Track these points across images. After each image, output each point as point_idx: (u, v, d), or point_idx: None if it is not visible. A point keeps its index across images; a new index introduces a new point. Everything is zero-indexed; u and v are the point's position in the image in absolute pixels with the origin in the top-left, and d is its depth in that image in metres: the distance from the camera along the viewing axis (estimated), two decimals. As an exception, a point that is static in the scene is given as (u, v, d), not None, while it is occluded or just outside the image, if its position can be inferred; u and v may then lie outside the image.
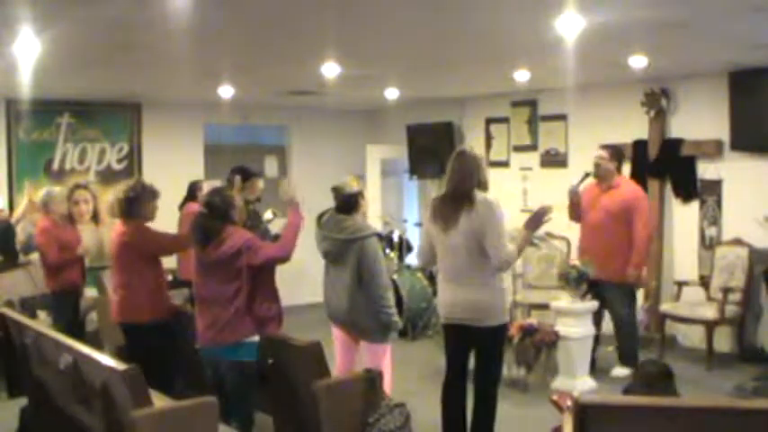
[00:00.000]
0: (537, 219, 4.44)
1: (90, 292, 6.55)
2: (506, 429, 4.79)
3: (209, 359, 4.39)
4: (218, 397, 4.19)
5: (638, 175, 7.35)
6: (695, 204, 7.31)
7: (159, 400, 3.82)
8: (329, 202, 4.75)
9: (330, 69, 6.11)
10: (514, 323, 6.31)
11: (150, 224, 5.07)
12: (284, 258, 4.39)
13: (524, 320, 6.49)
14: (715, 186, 7.14)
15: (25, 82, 6.37)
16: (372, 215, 6.42)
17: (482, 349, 4.52)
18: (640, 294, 7.33)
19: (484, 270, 4.34)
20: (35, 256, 6.48)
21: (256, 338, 4.35)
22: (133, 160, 8.94)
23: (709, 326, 6.59)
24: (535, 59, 6.21)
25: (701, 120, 7.19)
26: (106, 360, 3.89)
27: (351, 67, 6.14)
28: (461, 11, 4.40)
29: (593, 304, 6.32)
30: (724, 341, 6.88)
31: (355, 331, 4.69)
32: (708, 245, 7.20)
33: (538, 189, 8.48)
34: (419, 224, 9.39)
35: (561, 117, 8.32)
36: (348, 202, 4.67)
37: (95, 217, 6.67)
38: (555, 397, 3.85)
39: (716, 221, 7.16)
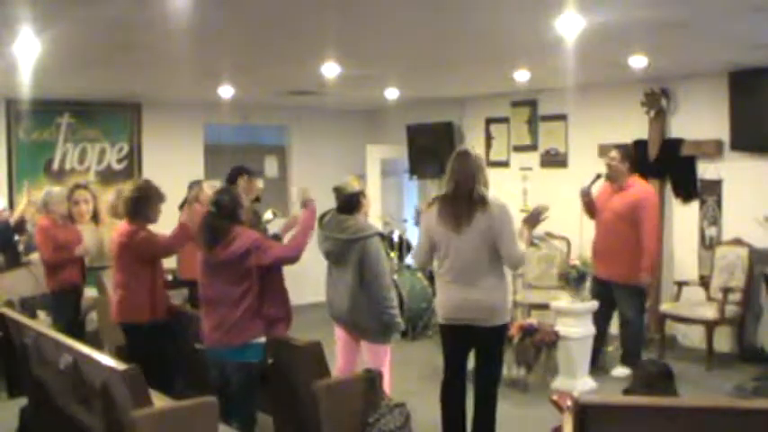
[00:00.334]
0: (534, 217, 4.54)
1: (90, 292, 6.55)
2: (506, 429, 4.79)
3: (216, 360, 4.35)
4: (221, 397, 4.21)
5: (639, 176, 7.34)
6: (695, 204, 7.31)
7: (159, 400, 3.82)
8: (330, 203, 4.75)
9: (330, 69, 6.11)
10: (514, 323, 6.31)
11: (151, 224, 5.07)
12: (293, 259, 4.36)
13: (524, 320, 6.49)
14: (715, 186, 7.14)
15: (25, 82, 6.37)
16: (372, 215, 6.41)
17: (484, 349, 4.52)
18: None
19: (492, 270, 4.36)
20: (36, 256, 6.48)
21: (263, 340, 4.32)
22: (133, 160, 8.94)
23: (710, 326, 6.59)
24: (535, 59, 6.21)
25: (700, 120, 7.19)
26: (106, 360, 3.89)
27: (351, 67, 6.14)
28: (461, 11, 4.40)
29: (593, 304, 6.32)
30: (724, 341, 6.88)
31: (357, 331, 4.68)
32: (708, 245, 7.20)
33: (538, 189, 8.48)
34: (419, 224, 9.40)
35: (561, 117, 8.32)
36: (350, 202, 4.66)
37: (95, 217, 6.68)
38: (555, 397, 3.85)
39: (716, 221, 7.16)
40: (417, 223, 4.87)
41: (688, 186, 7.33)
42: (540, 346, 6.07)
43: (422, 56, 6.09)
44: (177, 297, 6.32)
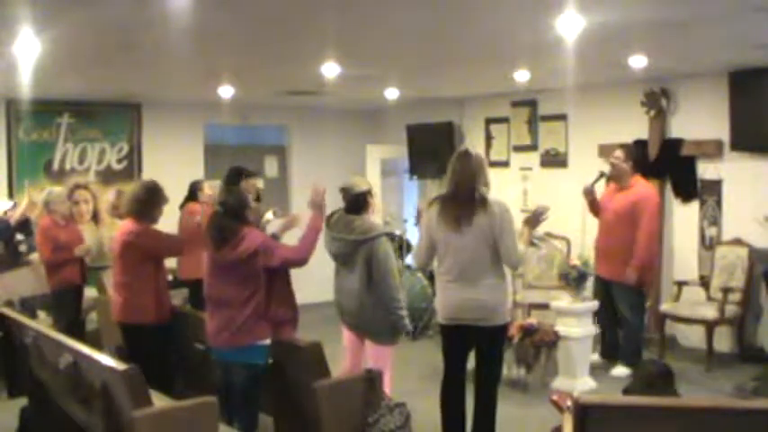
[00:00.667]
0: (534, 218, 4.53)
1: (90, 292, 6.55)
2: (506, 429, 4.79)
3: (220, 360, 4.34)
4: (224, 397, 4.21)
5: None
6: (695, 204, 7.31)
7: (159, 400, 3.83)
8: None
9: (330, 69, 6.11)
10: (514, 323, 6.31)
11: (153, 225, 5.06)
12: (302, 262, 4.32)
13: (524, 320, 6.49)
14: (715, 186, 7.14)
15: (25, 82, 6.36)
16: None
17: (484, 349, 4.52)
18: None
19: (492, 270, 4.36)
20: (36, 256, 6.48)
21: (268, 341, 4.30)
22: (133, 160, 8.94)
23: (710, 326, 6.59)
24: (535, 59, 6.21)
25: (700, 120, 7.19)
26: (106, 360, 3.89)
27: (351, 67, 6.14)
28: (461, 11, 4.40)
29: (593, 304, 6.34)
30: (724, 341, 6.87)
31: (364, 332, 4.65)
32: (708, 245, 7.20)
33: (538, 189, 8.48)
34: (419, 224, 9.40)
35: (561, 117, 8.31)
36: (357, 202, 4.62)
37: (95, 217, 6.68)
38: (555, 397, 3.85)
39: (716, 221, 7.16)
40: (418, 223, 4.87)
41: (688, 186, 7.33)
42: (540, 346, 6.07)
43: (422, 56, 6.09)
44: (177, 297, 6.33)
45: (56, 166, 8.47)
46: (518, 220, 4.51)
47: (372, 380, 4.14)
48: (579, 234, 7.26)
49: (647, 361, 5.83)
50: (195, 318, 4.98)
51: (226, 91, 7.53)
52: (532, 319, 6.51)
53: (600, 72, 6.86)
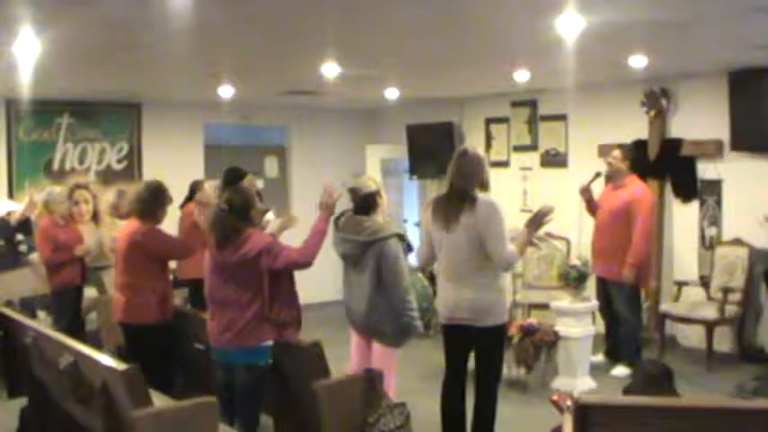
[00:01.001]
0: (538, 219, 4.43)
1: (90, 292, 6.55)
2: (506, 429, 4.79)
3: (222, 361, 4.32)
4: (225, 398, 4.20)
5: (639, 175, 7.35)
6: (695, 204, 7.31)
7: (159, 400, 3.82)
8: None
9: (330, 69, 6.11)
10: (514, 323, 6.32)
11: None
12: (306, 265, 4.24)
13: (524, 320, 6.50)
14: (715, 186, 7.14)
15: (25, 82, 6.36)
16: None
17: (482, 349, 4.51)
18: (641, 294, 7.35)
19: (484, 270, 4.33)
20: (36, 256, 6.48)
21: (271, 342, 4.27)
22: (133, 160, 8.94)
23: (710, 326, 6.59)
24: (535, 59, 6.21)
25: (700, 120, 7.19)
26: (106, 360, 3.89)
27: (351, 67, 6.14)
28: (461, 11, 4.40)
29: (593, 304, 6.34)
30: (724, 341, 6.87)
31: (373, 335, 4.58)
32: (708, 245, 7.20)
33: (538, 189, 8.48)
34: (419, 224, 9.40)
35: (561, 117, 8.32)
36: (366, 203, 4.56)
37: (95, 217, 6.68)
38: (555, 397, 3.84)
39: (716, 221, 7.16)
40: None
41: (688, 186, 7.33)
42: (540, 346, 6.07)
43: (422, 56, 6.09)
44: (177, 297, 6.32)
45: (56, 166, 8.47)
46: (518, 221, 4.51)
47: (372, 380, 4.14)
48: (579, 234, 7.26)
49: (647, 361, 5.83)
50: (195, 318, 4.98)
51: (226, 91, 7.53)
52: (532, 319, 6.52)
53: (600, 72, 6.86)
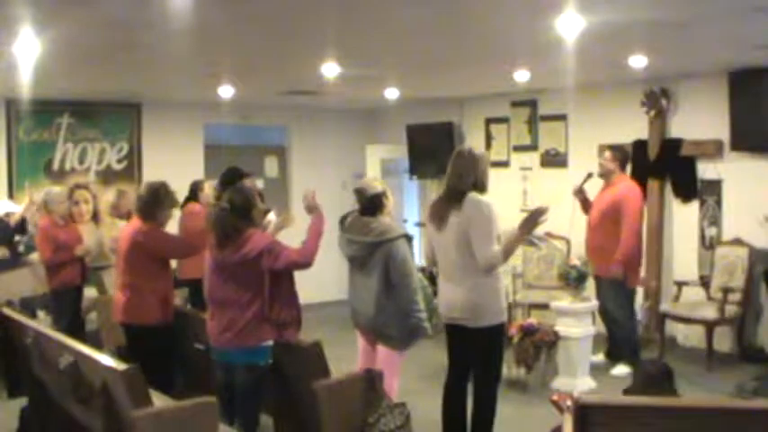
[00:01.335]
0: (532, 220, 4.36)
1: (90, 292, 6.55)
2: (506, 429, 4.79)
3: (222, 361, 4.31)
4: (225, 398, 4.20)
5: (638, 175, 7.36)
6: (695, 204, 7.31)
7: (159, 400, 3.82)
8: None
9: (330, 69, 6.11)
10: (514, 323, 6.32)
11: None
12: (306, 265, 4.24)
13: (524, 320, 6.50)
14: (715, 186, 7.14)
15: (25, 82, 6.36)
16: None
17: (479, 349, 4.49)
18: (640, 294, 7.35)
19: (475, 270, 4.29)
20: (36, 256, 6.48)
21: (271, 342, 4.27)
22: (133, 160, 8.94)
23: (709, 326, 6.59)
24: (535, 59, 6.21)
25: (700, 120, 7.19)
26: (106, 360, 3.89)
27: (351, 67, 6.14)
28: (461, 11, 4.40)
29: (593, 304, 6.35)
30: (724, 341, 6.88)
31: (378, 336, 4.55)
32: (708, 245, 7.20)
33: (538, 189, 8.49)
34: (419, 224, 9.41)
35: (561, 117, 8.32)
36: (373, 203, 4.53)
37: (95, 217, 6.68)
38: (555, 397, 3.84)
39: (716, 221, 7.16)
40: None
41: (688, 186, 7.33)
42: (540, 346, 6.07)
43: (422, 56, 6.09)
44: (177, 297, 6.31)
45: (56, 166, 8.47)
46: (518, 221, 4.49)
47: (372, 380, 4.13)
48: (579, 234, 7.25)
49: (647, 361, 5.84)
50: (195, 318, 4.98)
51: (226, 91, 7.53)
52: (532, 319, 6.52)
53: (600, 72, 6.87)
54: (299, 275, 4.38)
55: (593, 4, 4.14)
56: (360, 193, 4.59)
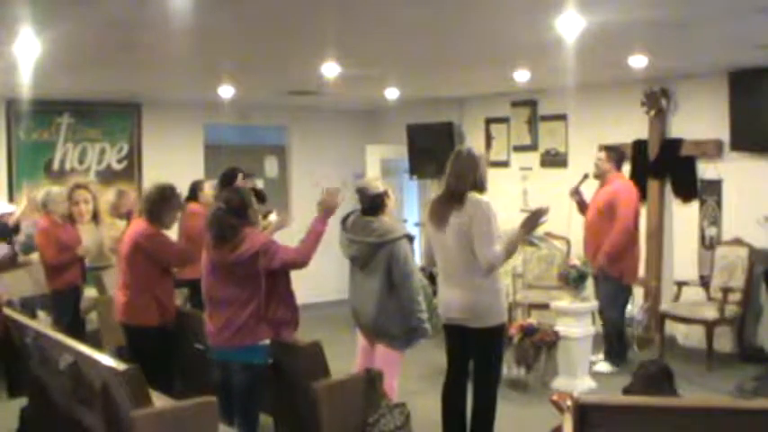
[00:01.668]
0: (533, 220, 4.37)
1: (90, 292, 6.55)
2: (506, 429, 4.79)
3: (220, 360, 4.31)
4: (224, 398, 4.19)
5: (638, 175, 7.37)
6: (695, 204, 7.31)
7: (159, 400, 3.82)
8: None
9: (330, 69, 6.11)
10: (514, 323, 6.33)
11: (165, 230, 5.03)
12: (303, 264, 4.24)
13: (524, 320, 6.50)
14: (715, 186, 7.14)
15: (25, 82, 6.36)
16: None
17: (479, 349, 4.49)
18: (640, 294, 7.35)
19: (476, 270, 4.29)
20: (35, 256, 6.48)
21: (268, 341, 4.27)
22: (133, 160, 8.94)
23: (709, 326, 6.59)
24: (535, 59, 6.21)
25: (700, 120, 7.19)
26: (106, 360, 3.89)
27: (351, 67, 6.14)
28: (461, 11, 4.40)
29: (593, 304, 6.35)
30: (724, 341, 6.87)
31: (378, 337, 4.54)
32: (708, 245, 7.20)
33: (538, 189, 8.48)
34: (419, 224, 9.41)
35: (561, 117, 8.32)
36: (374, 203, 4.53)
37: (95, 217, 6.68)
38: (555, 397, 3.85)
39: (716, 221, 7.16)
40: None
41: (688, 186, 7.34)
42: (540, 346, 6.07)
43: (422, 56, 6.09)
44: (177, 297, 6.31)
45: (56, 166, 8.46)
46: (518, 221, 4.49)
47: (372, 380, 4.14)
48: (579, 234, 7.26)
49: (647, 361, 5.81)
50: (195, 318, 4.97)
51: (226, 91, 7.53)
52: (532, 319, 6.52)
53: (600, 72, 6.87)
54: (298, 275, 4.38)
55: (593, 4, 4.14)
56: (361, 192, 4.59)
